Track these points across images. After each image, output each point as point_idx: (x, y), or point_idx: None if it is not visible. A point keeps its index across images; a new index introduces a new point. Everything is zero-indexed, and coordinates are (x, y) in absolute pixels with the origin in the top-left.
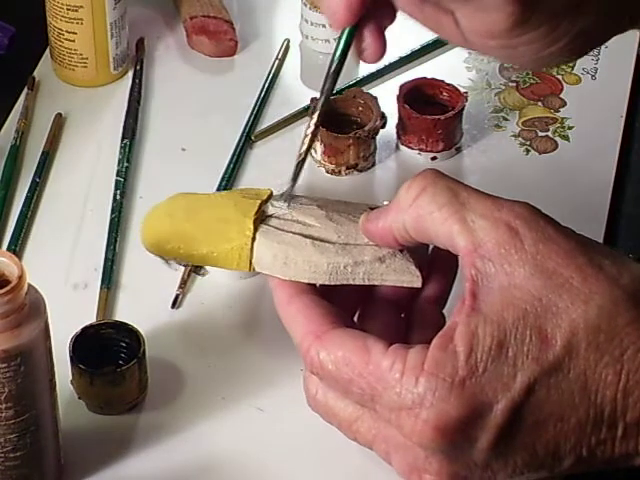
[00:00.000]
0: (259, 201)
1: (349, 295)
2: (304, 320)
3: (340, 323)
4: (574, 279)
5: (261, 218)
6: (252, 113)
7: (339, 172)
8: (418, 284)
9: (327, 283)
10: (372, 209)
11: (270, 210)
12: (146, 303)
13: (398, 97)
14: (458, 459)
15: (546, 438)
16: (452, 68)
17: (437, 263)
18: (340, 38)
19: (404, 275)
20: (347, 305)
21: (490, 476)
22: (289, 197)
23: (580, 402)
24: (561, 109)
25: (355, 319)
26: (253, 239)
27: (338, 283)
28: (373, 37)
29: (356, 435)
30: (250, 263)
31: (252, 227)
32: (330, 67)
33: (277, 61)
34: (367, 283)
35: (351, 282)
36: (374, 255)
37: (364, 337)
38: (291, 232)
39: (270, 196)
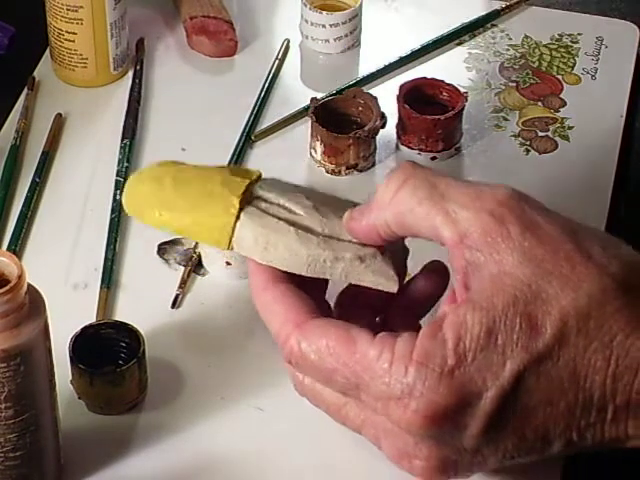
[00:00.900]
0: (247, 181)
1: (323, 292)
2: (282, 308)
3: (319, 314)
4: (563, 267)
5: (248, 199)
6: (252, 113)
7: (339, 172)
8: (394, 289)
9: (304, 274)
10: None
11: (258, 192)
12: (146, 303)
13: (398, 97)
14: (448, 444)
15: (535, 423)
16: (452, 68)
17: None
18: None
19: (381, 278)
20: (321, 301)
21: (480, 461)
22: None
23: (569, 387)
24: (561, 109)
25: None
26: (237, 218)
27: (315, 276)
28: None
29: (345, 420)
30: (230, 242)
31: (238, 206)
32: None
33: (277, 61)
34: (344, 280)
35: (328, 277)
36: (355, 253)
37: (348, 326)
38: (276, 217)
39: (259, 178)
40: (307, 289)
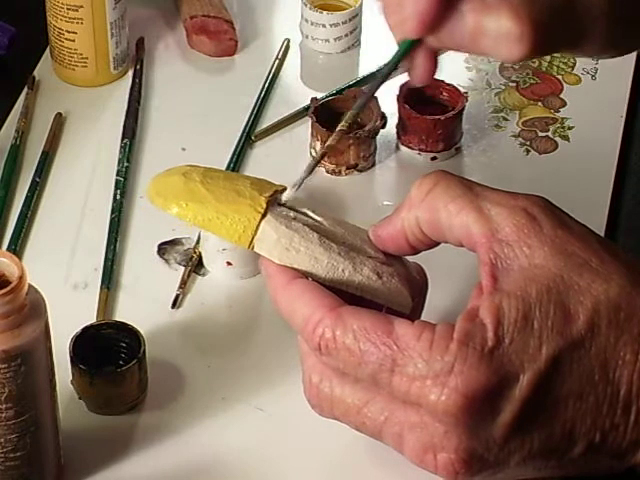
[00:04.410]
0: (275, 188)
1: None
2: (313, 295)
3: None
4: (593, 261)
5: (273, 204)
6: (252, 113)
7: (339, 172)
8: (407, 310)
9: (322, 280)
10: None
11: (284, 199)
12: (146, 303)
13: (398, 97)
14: (479, 434)
15: (564, 418)
16: (452, 68)
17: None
18: (399, 47)
19: (396, 298)
20: None
21: (505, 457)
22: (299, 185)
23: (599, 380)
24: (561, 109)
25: None
26: (262, 217)
27: (331, 284)
28: (425, 58)
29: (365, 420)
30: (252, 239)
31: (265, 205)
32: (380, 71)
33: (277, 61)
34: (358, 294)
35: (344, 288)
36: (374, 269)
37: (382, 313)
38: (301, 222)
39: (284, 190)
40: None
